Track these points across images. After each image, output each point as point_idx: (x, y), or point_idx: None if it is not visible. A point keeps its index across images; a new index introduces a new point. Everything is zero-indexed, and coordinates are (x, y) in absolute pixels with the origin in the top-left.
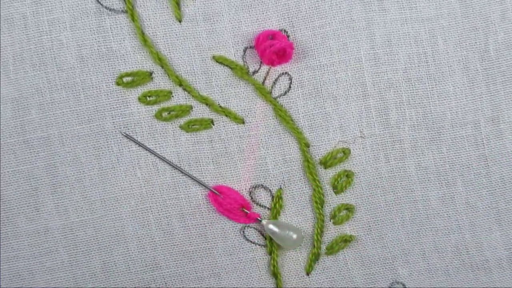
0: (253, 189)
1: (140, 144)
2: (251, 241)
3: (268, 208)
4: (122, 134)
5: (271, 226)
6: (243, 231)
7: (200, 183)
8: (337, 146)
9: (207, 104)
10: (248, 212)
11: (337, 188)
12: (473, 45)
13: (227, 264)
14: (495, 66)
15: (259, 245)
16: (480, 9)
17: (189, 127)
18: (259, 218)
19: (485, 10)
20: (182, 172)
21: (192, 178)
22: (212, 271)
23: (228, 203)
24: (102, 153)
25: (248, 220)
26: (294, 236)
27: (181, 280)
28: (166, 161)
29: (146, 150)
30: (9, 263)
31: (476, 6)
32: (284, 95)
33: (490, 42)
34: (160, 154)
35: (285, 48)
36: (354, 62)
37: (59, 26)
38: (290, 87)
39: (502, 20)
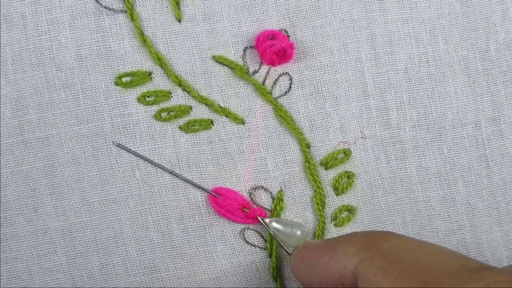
0: (253, 190)
1: (134, 153)
2: (251, 244)
3: (268, 209)
4: (115, 144)
5: (274, 224)
6: (243, 234)
7: (198, 187)
8: (338, 147)
9: (206, 105)
10: (249, 211)
11: (338, 189)
12: (474, 45)
13: (227, 267)
14: (496, 66)
15: (259, 247)
16: (481, 9)
17: (188, 128)
18: (260, 218)
19: (486, 10)
20: (178, 177)
21: (189, 183)
22: (211, 274)
23: (229, 204)
24: (101, 153)
25: (250, 219)
26: (299, 232)
27: (180, 283)
28: (162, 168)
29: (142, 158)
30: (8, 264)
31: (476, 6)
32: (284, 95)
33: (491, 42)
34: (158, 156)
35: (286, 48)
36: (354, 62)
37: (58, 26)
38: (290, 87)
39: (503, 20)
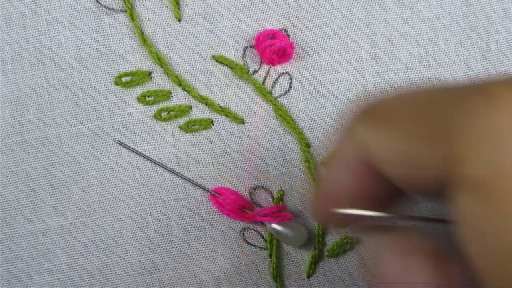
0: (254, 190)
1: (136, 152)
2: (251, 244)
3: None
4: (116, 142)
5: (274, 225)
6: (243, 234)
7: (198, 186)
8: None
9: (206, 104)
10: (249, 212)
11: None
12: (474, 44)
13: (227, 267)
14: (496, 66)
15: (259, 248)
16: (481, 8)
17: (188, 128)
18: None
19: (486, 9)
20: (179, 176)
21: (190, 182)
22: (211, 274)
23: (229, 204)
24: (101, 153)
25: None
26: (298, 233)
27: (180, 283)
28: (163, 166)
29: (143, 157)
30: (8, 265)
31: (477, 5)
32: (284, 95)
33: (491, 42)
34: (158, 155)
35: (286, 47)
36: (355, 62)
37: (58, 26)
38: (290, 86)
39: (503, 19)
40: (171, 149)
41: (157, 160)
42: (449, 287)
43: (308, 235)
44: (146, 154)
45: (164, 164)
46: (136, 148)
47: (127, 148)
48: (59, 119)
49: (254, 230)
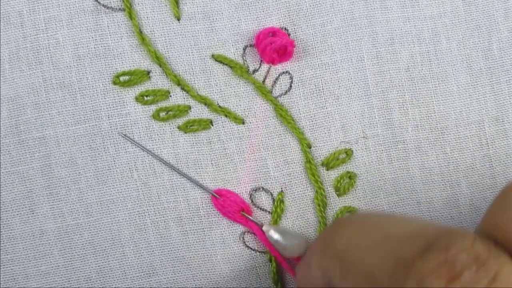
0: (254, 191)
1: (140, 146)
2: (251, 248)
3: (269, 212)
4: (121, 135)
5: (272, 233)
6: (243, 237)
7: (200, 186)
8: (340, 147)
9: (206, 104)
10: (249, 216)
11: (340, 190)
12: (477, 43)
13: (226, 272)
14: (499, 65)
15: (259, 252)
16: (484, 7)
17: (187, 128)
18: (258, 224)
19: (489, 8)
20: (182, 175)
21: (192, 181)
22: (211, 278)
23: (229, 206)
24: (98, 154)
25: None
26: (296, 242)
27: (178, 287)
28: (167, 165)
29: (146, 152)
30: (5, 267)
31: (479, 4)
32: (284, 94)
33: (493, 41)
34: (160, 156)
35: (286, 45)
36: (356, 61)
37: (56, 24)
38: (291, 86)
39: (505, 18)
40: (170, 149)
41: (156, 160)
42: None
43: (307, 244)
44: (145, 155)
45: (169, 162)
46: (135, 149)
47: (132, 142)
48: (57, 119)
49: (254, 233)
